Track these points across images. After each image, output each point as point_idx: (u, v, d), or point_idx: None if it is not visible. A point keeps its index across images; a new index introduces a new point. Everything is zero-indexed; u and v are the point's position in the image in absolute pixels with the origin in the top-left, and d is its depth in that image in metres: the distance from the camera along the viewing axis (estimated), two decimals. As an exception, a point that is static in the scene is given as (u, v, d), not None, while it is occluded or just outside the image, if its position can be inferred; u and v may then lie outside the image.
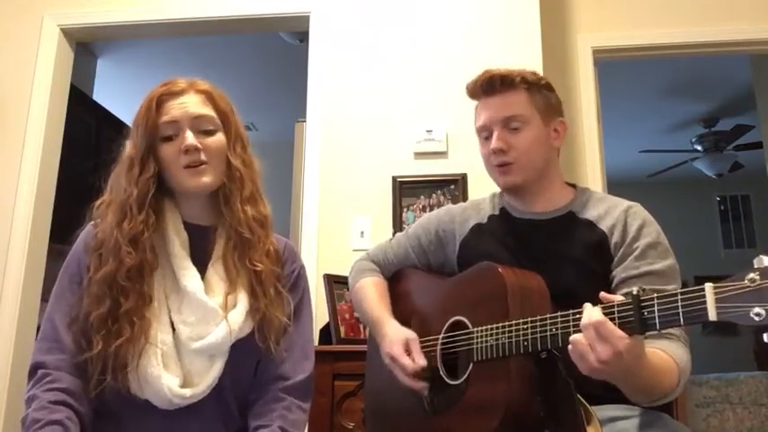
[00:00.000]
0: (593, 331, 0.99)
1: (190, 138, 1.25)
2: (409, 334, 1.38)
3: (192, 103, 1.28)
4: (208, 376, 1.21)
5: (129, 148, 1.30)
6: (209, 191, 1.30)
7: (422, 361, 1.32)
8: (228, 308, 1.24)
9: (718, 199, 7.84)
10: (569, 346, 1.03)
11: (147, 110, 1.27)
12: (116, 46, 4.47)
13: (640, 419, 1.22)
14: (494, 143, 1.40)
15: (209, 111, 1.30)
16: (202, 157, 1.26)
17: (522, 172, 1.40)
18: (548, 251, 1.36)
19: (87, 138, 3.93)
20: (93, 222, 1.32)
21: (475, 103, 1.49)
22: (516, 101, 1.41)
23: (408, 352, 1.34)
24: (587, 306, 1.03)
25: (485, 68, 1.46)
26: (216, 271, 1.28)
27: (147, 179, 1.25)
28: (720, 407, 4.35)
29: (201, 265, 1.28)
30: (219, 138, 1.30)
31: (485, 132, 1.45)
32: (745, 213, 7.74)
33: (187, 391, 1.19)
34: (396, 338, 1.38)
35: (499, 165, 1.41)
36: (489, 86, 1.43)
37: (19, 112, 3.04)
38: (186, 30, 3.26)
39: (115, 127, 4.19)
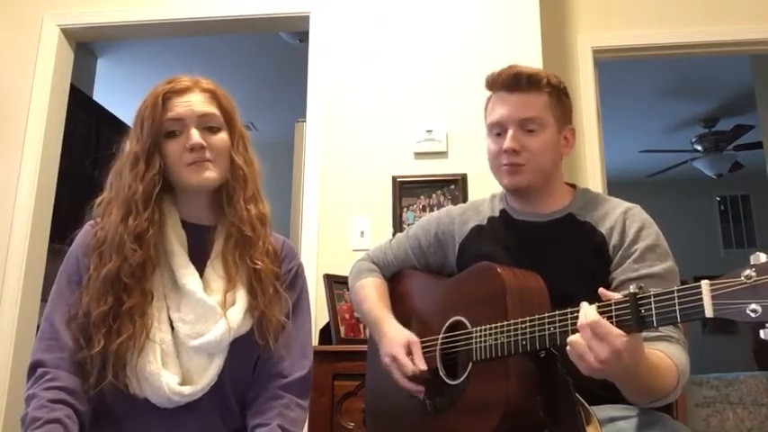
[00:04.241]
0: (589, 331, 0.99)
1: (195, 136, 1.26)
2: (411, 336, 1.37)
3: (197, 102, 1.29)
4: (207, 374, 1.21)
5: (132, 143, 1.29)
6: (213, 187, 1.30)
7: (422, 365, 1.32)
8: (227, 305, 1.25)
9: (718, 199, 7.85)
10: (567, 347, 1.03)
11: (152, 106, 1.27)
12: (116, 46, 4.47)
13: (640, 419, 1.22)
14: (507, 142, 1.37)
15: (213, 109, 1.30)
16: (207, 155, 1.27)
17: (529, 175, 1.39)
18: (547, 253, 1.36)
19: (87, 138, 3.93)
20: (90, 222, 1.32)
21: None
22: (537, 103, 1.38)
23: (410, 354, 1.34)
24: (584, 305, 1.03)
25: (510, 63, 1.42)
26: (214, 269, 1.28)
27: (152, 176, 1.25)
28: (720, 407, 4.36)
29: (200, 263, 1.28)
30: (224, 136, 1.30)
31: (497, 129, 1.41)
32: (745, 213, 7.75)
33: (186, 389, 1.19)
34: (397, 339, 1.37)
35: (508, 164, 1.39)
36: (514, 83, 1.38)
37: (19, 112, 3.04)
38: (186, 30, 3.26)
39: (115, 127, 4.19)
